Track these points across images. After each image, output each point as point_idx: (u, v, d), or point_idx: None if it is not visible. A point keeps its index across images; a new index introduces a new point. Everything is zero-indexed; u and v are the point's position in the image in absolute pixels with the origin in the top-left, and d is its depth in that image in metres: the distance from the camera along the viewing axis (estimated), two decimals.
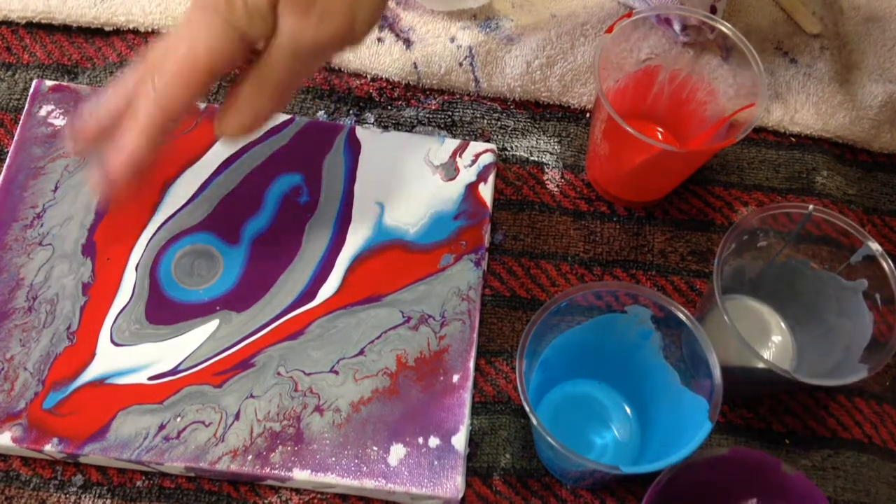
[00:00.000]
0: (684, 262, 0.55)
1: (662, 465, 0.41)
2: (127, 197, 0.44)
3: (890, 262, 0.46)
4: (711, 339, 0.43)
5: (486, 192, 0.54)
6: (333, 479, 0.45)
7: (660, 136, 0.58)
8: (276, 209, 0.52)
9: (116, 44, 0.58)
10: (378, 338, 0.49)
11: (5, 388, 0.46)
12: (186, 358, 0.48)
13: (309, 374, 0.48)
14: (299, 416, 0.47)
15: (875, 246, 0.46)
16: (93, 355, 0.48)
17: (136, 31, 0.58)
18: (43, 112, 0.54)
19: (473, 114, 0.58)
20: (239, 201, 0.53)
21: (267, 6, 0.38)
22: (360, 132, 0.55)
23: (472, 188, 0.54)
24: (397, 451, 0.46)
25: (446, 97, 0.59)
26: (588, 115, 0.59)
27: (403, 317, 0.50)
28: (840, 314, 0.49)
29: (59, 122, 0.54)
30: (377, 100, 0.58)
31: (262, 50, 0.40)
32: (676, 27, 0.57)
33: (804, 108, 0.59)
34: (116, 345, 0.48)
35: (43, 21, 0.58)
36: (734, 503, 0.45)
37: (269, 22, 0.38)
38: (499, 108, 0.59)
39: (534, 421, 0.41)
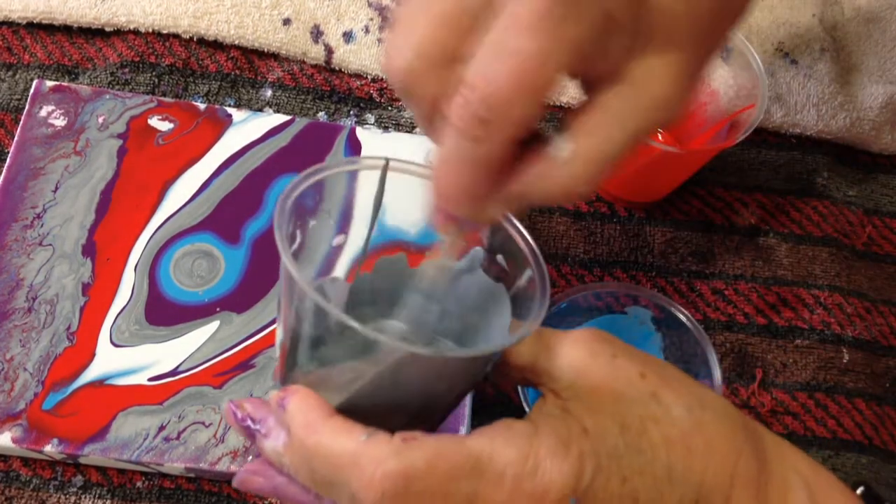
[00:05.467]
0: (684, 262, 0.55)
1: None
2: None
3: None
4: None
5: None
6: None
7: (660, 137, 0.58)
8: None
9: (117, 44, 0.58)
10: None
11: (5, 389, 0.46)
12: (186, 359, 0.48)
13: None
14: None
15: None
16: (92, 356, 0.48)
17: (136, 32, 0.58)
18: (43, 112, 0.54)
19: None
20: (239, 202, 0.52)
21: None
22: (361, 133, 0.55)
23: None
24: None
25: None
26: None
27: None
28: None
29: (60, 122, 0.54)
30: (378, 101, 0.58)
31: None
32: None
33: (805, 109, 0.59)
34: (116, 346, 0.48)
35: (44, 21, 0.58)
36: None
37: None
38: None
39: None
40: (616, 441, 0.29)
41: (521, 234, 0.33)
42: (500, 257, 0.35)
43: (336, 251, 0.40)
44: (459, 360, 0.30)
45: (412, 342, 0.30)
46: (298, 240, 0.34)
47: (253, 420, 0.31)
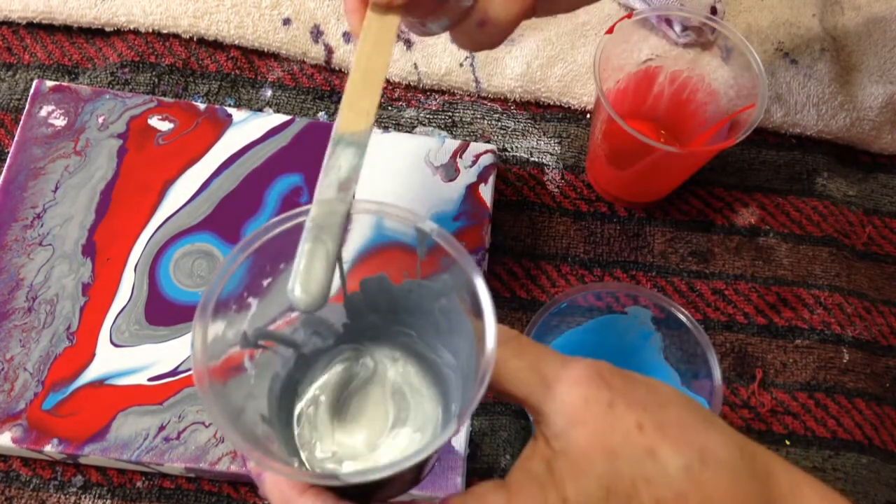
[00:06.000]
0: (685, 262, 0.55)
1: None
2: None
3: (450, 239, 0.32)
4: None
5: (486, 192, 0.54)
6: None
7: (660, 138, 0.58)
8: (276, 210, 0.52)
9: (117, 44, 0.58)
10: None
11: (5, 389, 0.46)
12: (186, 359, 0.48)
13: None
14: None
15: (429, 225, 0.32)
16: (92, 356, 0.48)
17: (136, 32, 0.58)
18: (43, 112, 0.54)
19: (474, 114, 0.58)
20: (239, 202, 0.52)
21: None
22: None
23: (472, 189, 0.54)
24: None
25: (447, 98, 0.59)
26: (588, 115, 0.59)
27: None
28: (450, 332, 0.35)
29: (60, 122, 0.54)
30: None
31: None
32: (677, 28, 0.57)
33: (805, 109, 0.59)
34: (116, 346, 0.48)
35: (44, 21, 0.58)
36: None
37: None
38: (499, 108, 0.59)
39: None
40: None
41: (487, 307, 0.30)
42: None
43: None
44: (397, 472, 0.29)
45: (344, 475, 0.29)
46: (268, 279, 0.33)
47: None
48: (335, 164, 0.33)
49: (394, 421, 0.35)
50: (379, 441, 0.35)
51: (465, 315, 0.32)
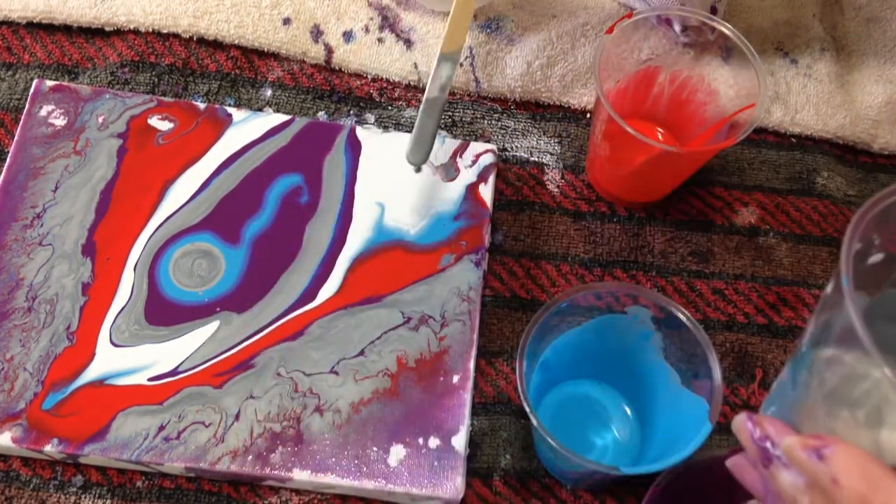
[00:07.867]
0: (685, 262, 0.55)
1: (662, 465, 0.41)
2: None
3: None
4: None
5: (486, 192, 0.54)
6: (333, 480, 0.45)
7: (660, 137, 0.58)
8: (276, 209, 0.52)
9: (117, 44, 0.58)
10: (378, 338, 0.49)
11: (5, 389, 0.46)
12: (186, 359, 0.48)
13: (309, 375, 0.48)
14: (299, 416, 0.47)
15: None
16: (92, 356, 0.48)
17: (136, 32, 0.58)
18: (43, 112, 0.54)
19: (474, 114, 0.58)
20: (239, 202, 0.53)
21: None
22: (361, 132, 0.55)
23: (472, 188, 0.54)
24: (397, 452, 0.46)
25: (447, 97, 0.59)
26: (588, 115, 0.59)
27: (404, 317, 0.50)
28: None
29: (60, 122, 0.54)
30: (378, 100, 0.58)
31: None
32: (677, 28, 0.57)
33: (804, 108, 0.59)
34: (116, 345, 0.48)
35: (44, 21, 0.58)
36: None
37: None
38: (499, 108, 0.59)
39: (534, 422, 0.41)
40: None
41: None
42: None
43: None
44: None
45: None
46: None
47: (773, 445, 0.31)
48: (439, 74, 0.50)
49: None
50: None
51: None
